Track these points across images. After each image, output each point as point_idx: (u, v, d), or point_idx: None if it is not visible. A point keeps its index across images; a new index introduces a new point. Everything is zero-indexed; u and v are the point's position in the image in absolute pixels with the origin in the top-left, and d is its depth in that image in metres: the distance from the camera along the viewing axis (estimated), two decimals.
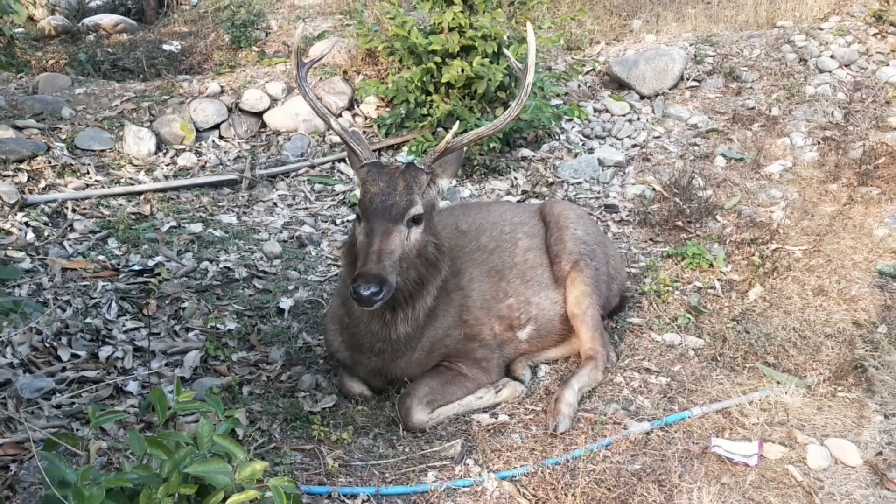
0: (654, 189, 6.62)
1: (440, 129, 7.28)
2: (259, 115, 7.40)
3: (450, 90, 7.35)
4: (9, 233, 5.42)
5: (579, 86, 8.42)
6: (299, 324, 4.78)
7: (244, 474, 2.57)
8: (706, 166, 6.95)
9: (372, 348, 3.86)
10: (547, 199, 6.61)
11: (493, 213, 4.50)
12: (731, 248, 5.69)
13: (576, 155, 7.23)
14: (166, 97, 7.34)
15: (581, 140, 7.51)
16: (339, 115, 7.60)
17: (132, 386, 4.10)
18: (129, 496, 2.59)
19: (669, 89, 8.24)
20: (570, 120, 7.77)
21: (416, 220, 3.63)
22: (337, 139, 7.36)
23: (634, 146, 7.40)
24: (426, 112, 7.38)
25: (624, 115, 7.89)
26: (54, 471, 2.50)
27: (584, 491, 3.37)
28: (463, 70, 7.09)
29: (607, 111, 7.98)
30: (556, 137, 7.51)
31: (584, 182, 6.87)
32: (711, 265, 5.45)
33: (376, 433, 3.81)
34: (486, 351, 4.08)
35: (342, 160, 6.98)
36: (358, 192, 3.70)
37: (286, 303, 4.96)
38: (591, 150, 7.32)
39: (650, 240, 6.00)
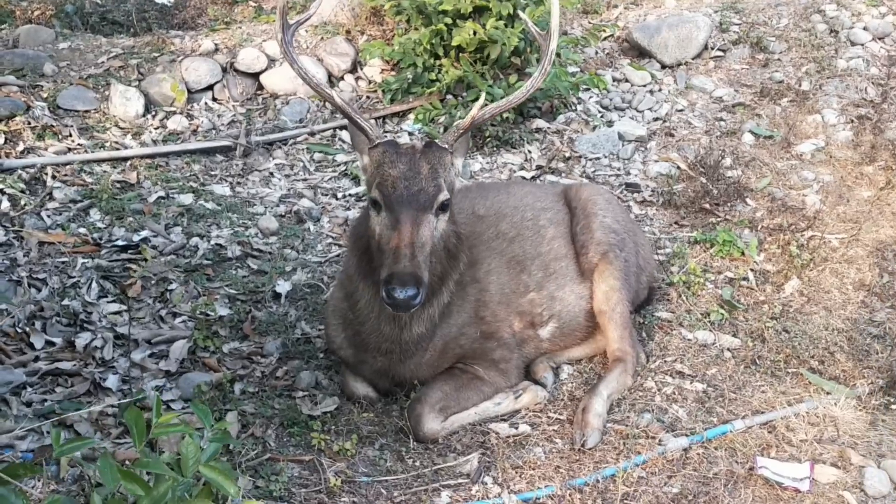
0: (678, 167, 6.18)
1: (449, 97, 6.80)
2: (256, 76, 6.89)
3: (460, 54, 6.85)
4: None
5: (597, 53, 7.91)
6: (297, 311, 4.36)
7: None
8: (734, 143, 6.50)
9: (378, 348, 3.45)
10: (564, 175, 6.17)
11: (513, 196, 4.06)
12: (764, 235, 5.28)
13: (594, 128, 6.76)
14: (156, 55, 6.82)
15: (599, 112, 7.03)
16: (342, 79, 7.10)
17: (111, 380, 3.69)
18: None
19: (693, 59, 7.74)
20: (588, 90, 7.28)
21: (443, 208, 3.21)
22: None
23: (656, 119, 6.93)
24: (434, 77, 6.89)
25: (645, 86, 7.40)
26: None
27: None
28: (475, 33, 6.60)
29: (627, 81, 7.49)
30: (573, 108, 7.04)
31: (602, 157, 6.42)
32: (743, 253, 5.04)
33: (383, 443, 3.42)
34: (504, 351, 3.67)
35: (344, 127, 6.50)
36: (364, 175, 3.26)
37: (283, 286, 4.53)
38: (610, 123, 6.85)
39: (675, 223, 5.57)
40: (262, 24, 7.48)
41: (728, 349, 4.16)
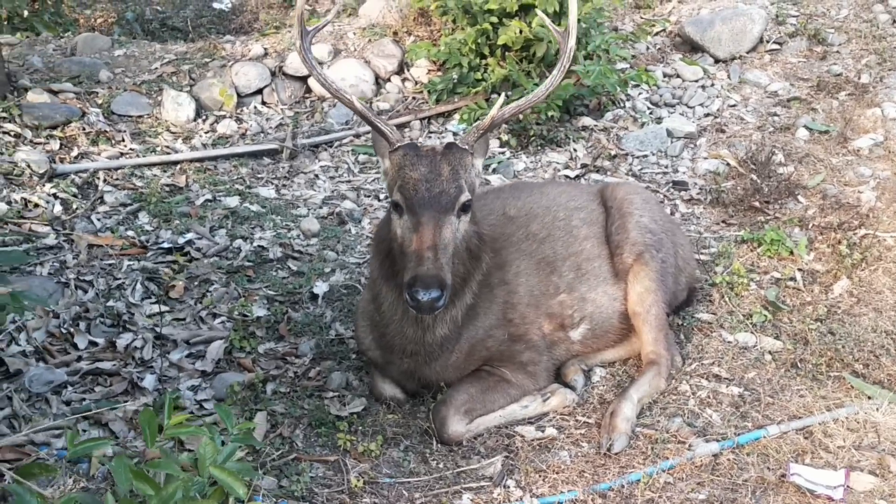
0: (728, 164, 6.04)
1: (494, 96, 6.77)
2: (304, 79, 6.98)
3: (506, 53, 6.84)
4: (36, 205, 5.14)
5: (648, 48, 7.79)
6: (333, 312, 4.40)
7: None
8: (787, 139, 6.32)
9: (403, 350, 3.46)
10: (609, 173, 6.09)
11: (546, 196, 4.02)
12: (815, 234, 5.11)
13: (642, 125, 6.66)
14: (208, 60, 6.98)
15: (648, 108, 6.92)
16: (388, 80, 7.15)
17: (148, 380, 3.79)
18: None
19: (747, 52, 7.55)
20: (637, 86, 7.17)
21: (465, 209, 3.21)
22: (385, 106, 6.92)
23: (707, 115, 6.78)
24: (480, 77, 6.89)
25: (696, 81, 7.25)
26: None
27: None
28: (521, 31, 6.57)
29: (678, 76, 7.35)
30: (621, 105, 6.94)
31: (650, 155, 6.31)
32: (792, 253, 4.89)
33: (407, 445, 3.42)
34: (532, 353, 3.64)
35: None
36: (386, 178, 3.28)
37: (321, 287, 4.58)
38: (659, 120, 6.74)
39: (723, 222, 5.44)
40: (311, 28, 7.55)
41: (769, 352, 4.05)
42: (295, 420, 3.56)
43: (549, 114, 6.41)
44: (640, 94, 7.09)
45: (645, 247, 3.87)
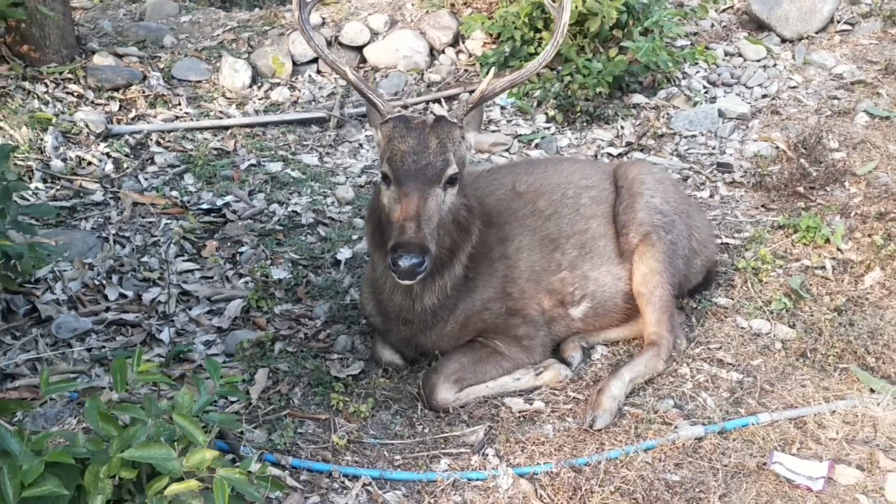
0: (776, 147, 5.87)
1: (545, 70, 6.73)
2: (359, 49, 7.10)
3: None
4: (89, 163, 5.44)
5: (713, 25, 7.59)
6: (352, 278, 4.53)
7: (192, 461, 2.35)
8: (844, 124, 6.09)
9: (398, 317, 3.56)
10: (653, 152, 6.01)
11: (558, 173, 4.03)
12: (856, 223, 4.94)
13: (695, 104, 6.52)
14: (267, 28, 7.17)
15: (704, 87, 6.76)
16: (443, 52, 7.19)
17: (166, 333, 3.99)
18: (80, 472, 2.43)
19: (816, 33, 7.27)
20: (696, 64, 7.01)
21: (451, 182, 3.27)
22: (436, 77, 6.98)
23: (764, 97, 6.58)
24: (533, 51, 6.85)
25: (758, 61, 7.04)
26: None
27: (604, 501, 2.97)
28: (575, 6, 6.51)
29: (740, 55, 7.14)
30: (677, 83, 6.80)
31: (698, 135, 6.19)
32: (828, 241, 4.75)
33: (397, 409, 3.53)
34: (529, 328, 3.68)
35: (437, 101, 6.60)
36: (378, 150, 3.36)
37: (344, 253, 4.72)
38: (713, 100, 6.58)
39: (762, 206, 5.31)
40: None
41: (781, 340, 3.97)
42: (295, 378, 3.70)
43: (598, 90, 6.34)
44: (697, 72, 6.93)
45: (652, 227, 3.84)
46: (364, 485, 3.11)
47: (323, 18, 7.23)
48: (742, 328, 4.09)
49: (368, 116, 3.50)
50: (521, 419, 3.45)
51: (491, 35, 7.20)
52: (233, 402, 3.50)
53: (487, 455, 3.25)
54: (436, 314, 3.53)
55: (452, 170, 3.22)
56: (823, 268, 4.53)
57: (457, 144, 3.27)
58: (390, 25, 7.22)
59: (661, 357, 3.72)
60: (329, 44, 7.06)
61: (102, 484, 2.32)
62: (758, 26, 7.46)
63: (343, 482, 3.13)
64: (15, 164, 5.17)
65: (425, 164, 3.16)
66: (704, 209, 5.25)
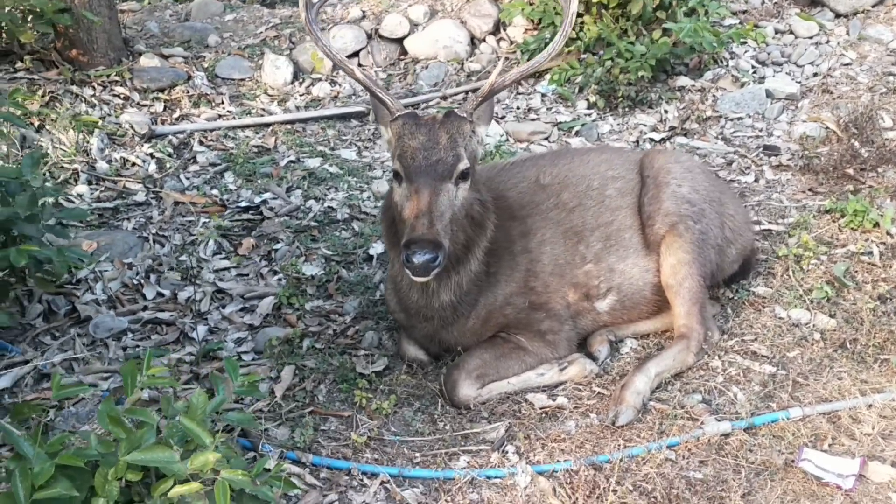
0: (826, 128, 5.65)
1: (588, 56, 6.62)
2: (399, 41, 7.10)
3: (603, 11, 6.66)
4: (133, 164, 5.57)
5: (763, 2, 7.34)
6: (383, 273, 4.53)
7: (196, 464, 2.39)
8: None
9: (418, 314, 3.56)
10: (697, 137, 5.86)
11: (584, 164, 3.96)
12: None
13: (742, 85, 6.33)
14: None
15: (752, 67, 6.55)
16: (483, 40, 7.13)
17: (199, 331, 4.07)
18: (93, 474, 2.49)
19: (872, 6, 6.97)
20: (744, 43, 6.79)
21: (463, 177, 3.25)
22: (475, 66, 6.93)
23: (815, 75, 6.35)
24: (575, 36, 6.74)
25: (810, 38, 6.79)
26: (11, 441, 2.44)
27: (622, 499, 2.92)
28: None
29: (791, 32, 6.90)
30: (724, 64, 6.61)
31: (745, 117, 6.01)
32: (877, 225, 4.56)
33: (419, 406, 3.53)
34: (553, 322, 3.64)
35: (475, 90, 6.54)
36: (388, 148, 3.35)
37: (376, 248, 4.73)
38: (762, 80, 6.37)
39: (809, 190, 5.13)
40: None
41: (820, 330, 3.84)
42: (321, 375, 3.73)
43: (640, 74, 6.20)
44: (746, 51, 6.72)
45: (679, 217, 3.74)
46: (382, 482, 3.12)
47: (363, 11, 7.25)
48: (780, 318, 3.97)
49: (378, 115, 3.49)
50: (543, 415, 3.42)
51: (532, 21, 7.12)
52: (258, 400, 3.55)
53: (507, 452, 3.22)
54: (456, 310, 3.52)
55: (464, 165, 3.19)
56: (870, 253, 4.36)
57: (467, 139, 3.25)
58: (430, 16, 7.20)
59: (692, 350, 3.63)
60: (369, 37, 7.08)
61: (110, 486, 2.38)
62: (810, 2, 7.19)
63: (362, 480, 3.14)
64: (62, 168, 5.34)
65: (436, 160, 3.14)
66: (748, 194, 5.12)
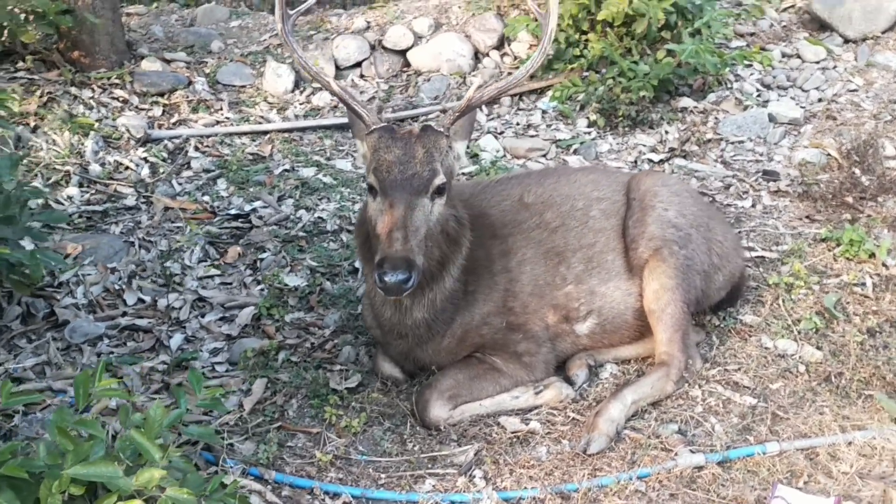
0: (827, 154, 5.57)
1: (589, 73, 6.57)
2: (402, 53, 7.05)
3: (607, 29, 6.61)
4: (127, 167, 5.55)
5: (772, 25, 7.27)
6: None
7: (141, 480, 2.34)
8: None
9: (392, 331, 3.50)
10: (695, 159, 5.79)
11: (570, 184, 3.89)
12: None
13: (745, 108, 6.25)
14: (313, 32, 7.20)
15: (757, 90, 6.47)
16: (487, 55, 7.08)
17: (175, 340, 4.03)
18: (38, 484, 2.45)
19: (882, 32, 6.88)
20: (750, 66, 6.72)
21: (439, 192, 3.21)
22: (477, 81, 6.87)
23: (820, 100, 6.26)
24: (579, 53, 6.68)
25: (817, 63, 6.70)
26: None
27: None
28: (621, 7, 6.32)
29: (798, 57, 6.82)
30: (728, 86, 6.54)
31: (746, 141, 5.93)
32: (873, 256, 4.47)
33: (389, 425, 3.46)
34: (530, 344, 3.57)
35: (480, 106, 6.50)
36: (364, 162, 3.31)
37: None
38: (765, 103, 6.29)
39: (807, 217, 5.04)
40: (419, 1, 7.60)
41: (806, 362, 3.75)
42: (294, 389, 3.68)
43: (641, 94, 6.14)
44: (751, 74, 6.64)
45: (664, 242, 3.67)
46: (344, 503, 3.06)
47: (368, 22, 7.22)
48: (766, 348, 3.89)
49: (353, 128, 3.46)
50: (515, 440, 3.34)
51: (536, 37, 7.06)
52: (229, 412, 3.50)
53: (475, 477, 3.16)
54: (430, 328, 3.46)
55: (440, 180, 3.15)
56: (864, 284, 4.27)
57: (444, 154, 3.21)
58: (435, 29, 7.16)
59: (671, 378, 3.55)
60: (372, 48, 7.04)
61: (53, 499, 2.33)
62: (819, 26, 7.11)
63: (324, 500, 3.08)
64: (54, 169, 5.32)
65: (412, 174, 3.10)
66: (744, 219, 5.04)
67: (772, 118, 6.07)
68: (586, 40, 6.67)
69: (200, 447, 3.21)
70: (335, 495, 3.09)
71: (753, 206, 5.23)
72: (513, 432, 3.38)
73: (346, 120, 6.09)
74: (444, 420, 3.41)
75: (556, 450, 3.28)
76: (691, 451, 3.21)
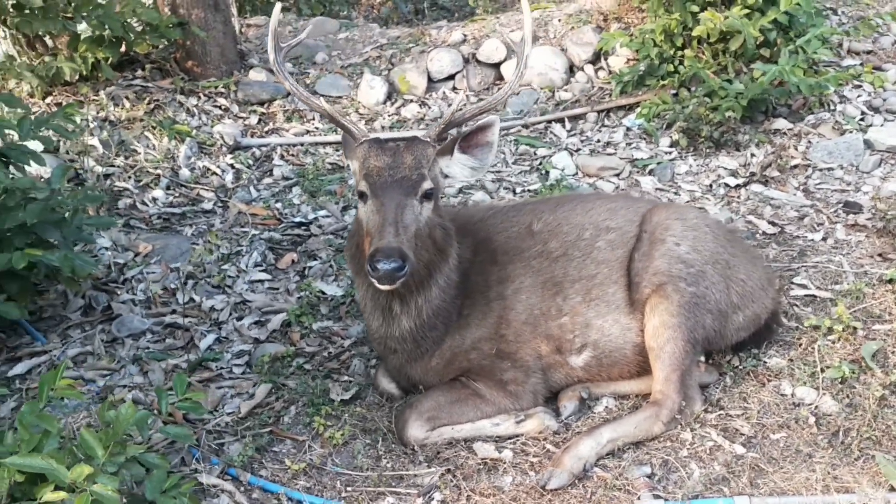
0: None
1: (679, 90, 6.36)
2: (496, 66, 7.12)
3: (702, 45, 6.39)
4: (213, 173, 5.96)
5: (894, 43, 6.74)
6: None
7: (74, 474, 2.60)
8: None
9: (382, 343, 3.63)
10: (774, 186, 5.50)
11: (585, 213, 3.83)
12: None
13: (843, 132, 5.86)
14: (412, 45, 7.39)
15: (862, 113, 6.04)
16: (581, 69, 7.01)
17: (206, 340, 4.32)
18: None
19: None
20: (860, 86, 6.28)
21: (427, 196, 3.33)
22: (566, 95, 6.84)
23: None
24: (673, 69, 6.49)
25: None
26: None
27: None
28: (715, 24, 6.09)
29: None
30: (830, 108, 6.14)
31: (836, 168, 5.56)
32: None
33: (370, 440, 3.57)
34: (517, 373, 3.57)
35: (560, 121, 6.47)
36: (355, 177, 3.44)
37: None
38: (867, 128, 5.86)
39: (879, 255, 4.68)
40: (517, 15, 7.62)
41: (819, 414, 3.53)
42: (297, 396, 3.87)
43: (728, 114, 5.89)
44: (858, 96, 6.21)
45: (669, 278, 3.56)
46: None
47: (464, 35, 7.33)
48: (783, 395, 3.68)
49: (345, 148, 3.62)
50: (482, 466, 3.37)
51: (636, 52, 6.91)
52: (229, 414, 3.74)
53: (433, 500, 3.21)
54: (418, 343, 3.54)
55: (428, 185, 3.29)
56: None
57: (431, 163, 3.34)
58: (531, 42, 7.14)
59: (661, 419, 3.45)
60: (466, 61, 7.15)
61: (1, 483, 2.62)
62: None
63: None
64: (147, 172, 5.81)
65: (401, 178, 3.25)
66: (808, 254, 4.76)
67: (868, 145, 5.66)
68: (681, 56, 6.48)
69: (188, 446, 3.45)
70: (298, 502, 3.24)
71: (824, 239, 4.91)
72: (482, 458, 3.40)
73: (417, 132, 6.29)
74: (421, 440, 3.48)
75: (520, 480, 3.28)
76: (654, 497, 3.11)
